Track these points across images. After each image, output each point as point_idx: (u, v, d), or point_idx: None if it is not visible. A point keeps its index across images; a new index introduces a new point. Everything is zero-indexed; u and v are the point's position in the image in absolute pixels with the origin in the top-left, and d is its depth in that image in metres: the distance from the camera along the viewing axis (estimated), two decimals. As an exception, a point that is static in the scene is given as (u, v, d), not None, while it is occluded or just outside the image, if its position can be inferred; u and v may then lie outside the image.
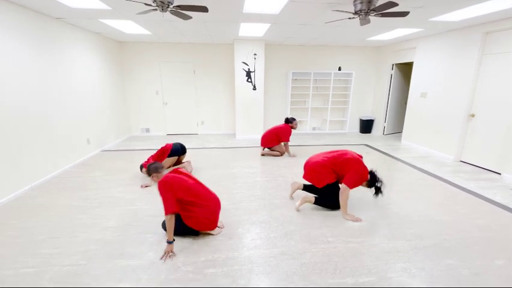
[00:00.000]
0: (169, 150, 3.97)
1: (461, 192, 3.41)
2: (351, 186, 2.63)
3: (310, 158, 2.90)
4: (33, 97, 3.52)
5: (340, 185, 2.72)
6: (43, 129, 3.70)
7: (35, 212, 2.83)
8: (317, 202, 2.87)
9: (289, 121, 4.95)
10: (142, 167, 3.88)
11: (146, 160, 3.96)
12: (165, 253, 2.11)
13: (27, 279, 1.88)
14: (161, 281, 1.87)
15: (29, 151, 3.44)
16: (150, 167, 2.33)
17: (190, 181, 2.32)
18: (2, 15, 3.05)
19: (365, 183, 2.68)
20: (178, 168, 2.47)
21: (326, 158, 2.76)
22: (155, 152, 4.15)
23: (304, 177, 2.89)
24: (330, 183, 2.74)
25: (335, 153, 2.77)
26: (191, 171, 4.00)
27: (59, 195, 3.28)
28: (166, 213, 2.10)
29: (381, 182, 2.66)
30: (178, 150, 4.06)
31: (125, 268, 1.99)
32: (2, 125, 3.04)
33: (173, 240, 2.16)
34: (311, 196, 2.89)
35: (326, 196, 2.84)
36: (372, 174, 2.67)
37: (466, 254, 2.17)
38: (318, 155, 2.89)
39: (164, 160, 3.92)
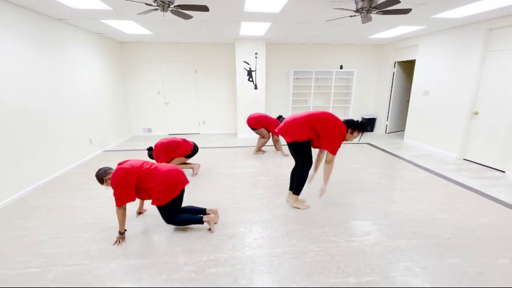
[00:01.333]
0: (190, 151, 3.84)
1: (464, 190, 3.39)
2: (335, 152, 2.58)
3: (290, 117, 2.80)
4: (36, 98, 3.54)
5: (326, 155, 2.63)
6: (46, 130, 3.72)
7: (38, 212, 2.85)
8: (296, 183, 2.85)
9: (279, 118, 4.95)
10: (150, 152, 3.72)
11: (158, 143, 3.70)
12: (117, 240, 2.30)
13: (30, 279, 1.89)
14: (164, 281, 1.87)
15: (32, 152, 3.46)
16: (99, 173, 2.29)
17: (138, 163, 2.33)
18: (3, 17, 3.06)
19: (349, 135, 2.62)
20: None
21: (304, 116, 2.67)
22: (167, 138, 3.77)
23: (278, 130, 2.76)
24: (299, 141, 2.65)
25: (314, 112, 2.69)
26: (195, 174, 3.98)
27: (62, 195, 3.30)
28: (119, 204, 2.20)
29: (357, 121, 2.65)
30: (194, 153, 3.95)
31: (127, 268, 2.00)
32: (6, 126, 3.06)
33: (125, 230, 2.35)
34: (291, 196, 2.95)
35: (300, 167, 2.80)
36: (349, 122, 2.63)
37: (469, 252, 2.16)
38: (298, 114, 2.79)
39: (179, 158, 3.82)
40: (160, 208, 2.35)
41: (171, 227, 2.56)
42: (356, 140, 2.70)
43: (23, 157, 3.32)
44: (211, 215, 2.51)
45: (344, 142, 2.72)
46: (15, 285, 1.84)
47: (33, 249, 2.22)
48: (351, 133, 2.64)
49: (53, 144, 3.86)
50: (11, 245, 2.28)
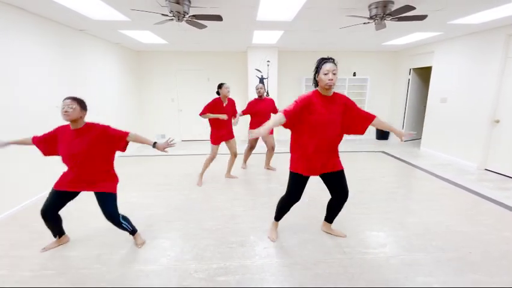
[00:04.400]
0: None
1: (486, 202, 3.22)
2: (284, 111, 1.96)
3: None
4: (57, 104, 3.69)
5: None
6: (65, 135, 3.86)
7: (55, 215, 2.93)
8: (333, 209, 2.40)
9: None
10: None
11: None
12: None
13: (45, 281, 1.93)
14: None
15: (52, 156, 3.58)
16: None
17: None
18: (32, 28, 3.25)
19: (320, 80, 1.96)
20: None
21: None
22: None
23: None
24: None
25: None
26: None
27: (78, 198, 3.37)
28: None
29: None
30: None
31: (138, 273, 2.01)
32: (30, 130, 3.20)
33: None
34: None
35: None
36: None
37: (492, 268, 2.03)
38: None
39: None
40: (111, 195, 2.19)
41: (181, 232, 2.57)
42: (327, 77, 1.91)
43: (44, 161, 3.43)
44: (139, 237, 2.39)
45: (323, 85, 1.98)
46: (31, 286, 1.88)
47: (49, 251, 2.28)
48: (319, 76, 1.97)
49: (71, 149, 4.00)
50: (29, 246, 2.35)
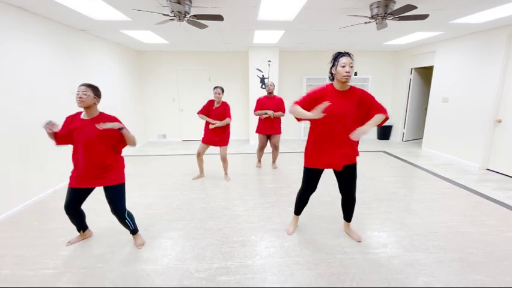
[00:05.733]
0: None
1: (488, 202, 3.21)
2: (295, 102, 2.11)
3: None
4: (59, 105, 3.70)
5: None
6: (66, 135, 3.87)
7: (56, 214, 2.94)
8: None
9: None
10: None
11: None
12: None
13: (46, 280, 1.94)
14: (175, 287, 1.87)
15: (53, 156, 3.59)
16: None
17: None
18: (29, 26, 3.26)
19: (337, 74, 2.01)
20: None
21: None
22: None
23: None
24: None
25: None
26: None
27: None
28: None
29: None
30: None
31: (139, 272, 2.01)
32: (31, 132, 3.21)
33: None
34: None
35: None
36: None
37: (494, 269, 2.02)
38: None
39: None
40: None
41: (183, 232, 2.57)
42: (344, 69, 1.96)
43: (45, 161, 3.46)
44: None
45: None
46: (32, 285, 1.89)
47: (50, 250, 2.28)
48: (336, 69, 2.02)
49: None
50: (30, 246, 2.36)
